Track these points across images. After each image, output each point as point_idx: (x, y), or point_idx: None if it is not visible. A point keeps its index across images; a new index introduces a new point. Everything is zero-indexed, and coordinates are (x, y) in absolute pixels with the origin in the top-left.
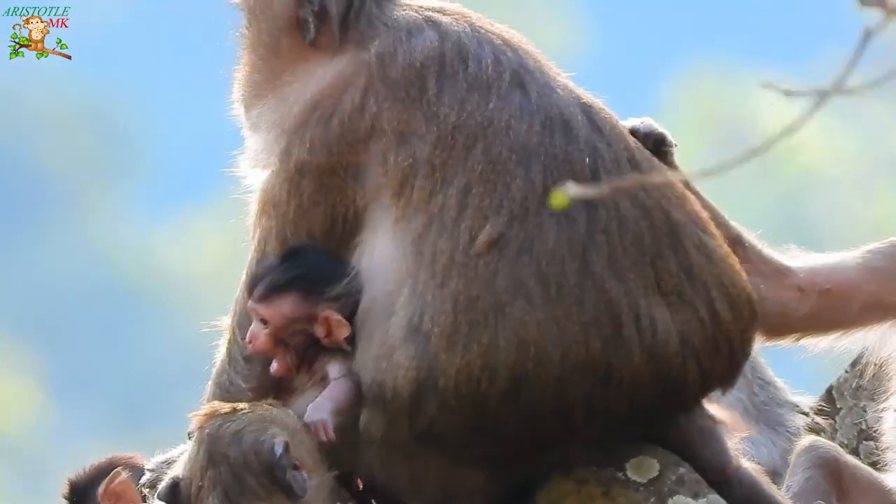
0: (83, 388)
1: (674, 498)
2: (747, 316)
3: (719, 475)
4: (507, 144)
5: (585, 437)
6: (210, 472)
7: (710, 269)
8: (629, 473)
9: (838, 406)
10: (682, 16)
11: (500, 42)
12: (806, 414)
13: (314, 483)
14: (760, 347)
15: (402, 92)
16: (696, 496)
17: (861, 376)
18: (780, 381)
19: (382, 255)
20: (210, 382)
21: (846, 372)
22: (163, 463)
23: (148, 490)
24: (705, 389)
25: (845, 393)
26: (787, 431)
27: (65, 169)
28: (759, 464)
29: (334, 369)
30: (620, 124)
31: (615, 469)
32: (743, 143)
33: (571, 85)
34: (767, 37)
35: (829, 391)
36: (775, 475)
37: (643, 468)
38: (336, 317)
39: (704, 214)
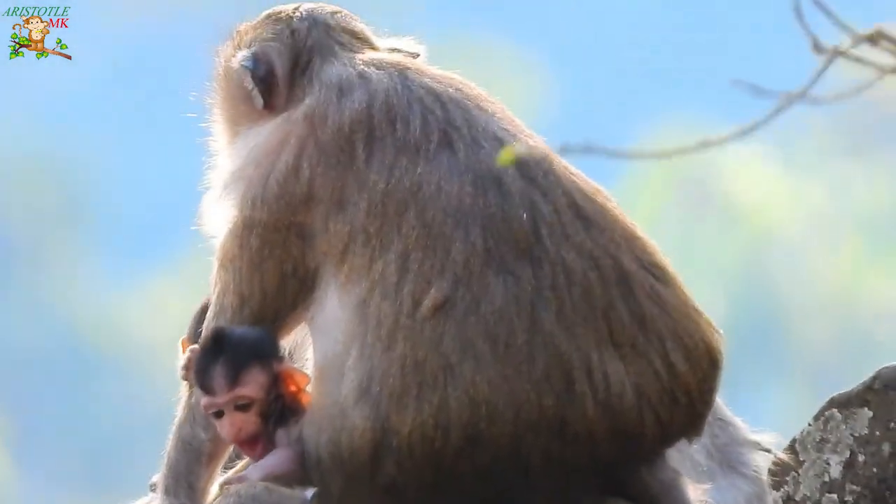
0: (45, 448)
1: None
2: (706, 366)
3: None
4: (441, 208)
5: (545, 490)
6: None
7: (663, 319)
8: None
9: (801, 459)
10: (649, 72)
11: (431, 97)
12: (768, 451)
13: None
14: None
15: (333, 158)
16: None
17: (825, 429)
18: (738, 420)
19: (331, 316)
20: (171, 436)
21: (809, 425)
22: None
23: None
24: (665, 441)
25: (809, 446)
26: (753, 472)
27: (25, 231)
28: None
29: (281, 438)
30: (556, 164)
31: None
32: (709, 200)
33: (505, 129)
34: (735, 94)
35: (792, 444)
36: None
37: None
38: (292, 369)
39: (659, 257)
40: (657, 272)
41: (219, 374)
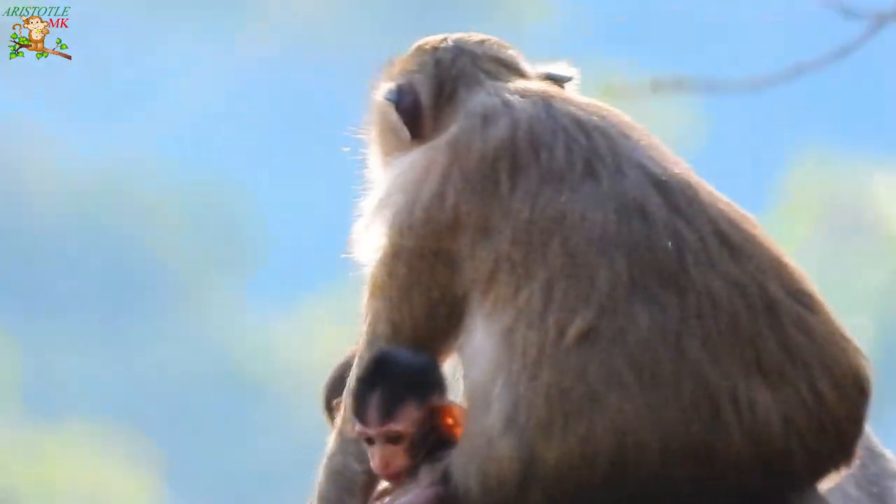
0: (202, 480)
1: None
2: (854, 395)
3: None
4: (585, 236)
5: None
6: None
7: (811, 347)
8: None
9: None
10: (796, 102)
11: (575, 126)
12: None
13: None
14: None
15: (478, 185)
16: None
17: None
18: (889, 452)
19: (478, 345)
20: (322, 466)
21: None
22: None
23: None
24: (815, 471)
25: None
26: None
27: (182, 262)
28: None
29: (425, 477)
30: (704, 192)
31: None
32: (859, 224)
33: (649, 157)
34: (882, 124)
35: None
36: None
37: None
38: (452, 402)
39: (806, 284)
40: (804, 299)
41: (373, 406)
